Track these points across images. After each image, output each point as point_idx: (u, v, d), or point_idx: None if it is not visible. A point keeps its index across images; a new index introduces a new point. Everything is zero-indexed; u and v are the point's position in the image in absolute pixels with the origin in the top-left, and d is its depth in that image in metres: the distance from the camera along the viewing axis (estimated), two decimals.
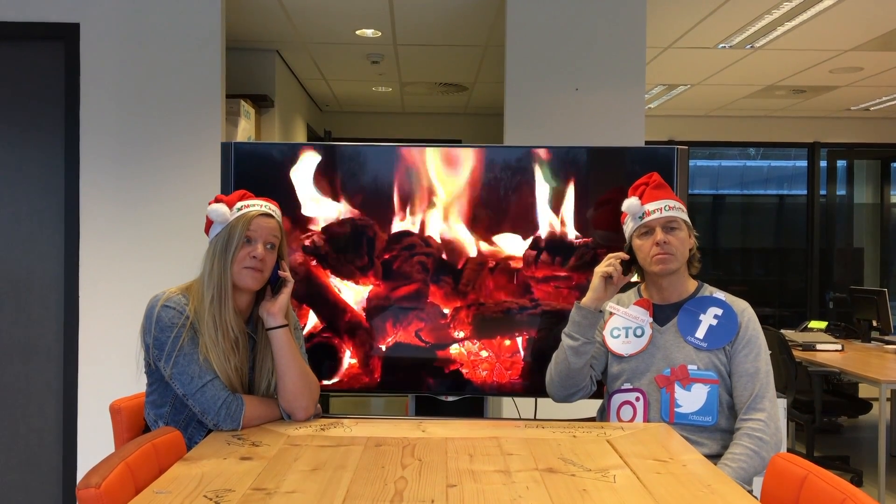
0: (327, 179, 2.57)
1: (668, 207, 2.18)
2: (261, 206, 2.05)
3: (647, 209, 2.19)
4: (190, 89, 3.61)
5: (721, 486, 1.50)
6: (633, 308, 2.26)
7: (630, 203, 2.22)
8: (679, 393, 2.13)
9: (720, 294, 2.24)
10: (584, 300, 2.21)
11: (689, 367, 2.14)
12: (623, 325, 2.24)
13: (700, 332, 2.17)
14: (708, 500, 1.42)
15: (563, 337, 2.24)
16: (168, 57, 3.60)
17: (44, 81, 3.61)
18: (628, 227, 2.25)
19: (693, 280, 2.28)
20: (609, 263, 2.20)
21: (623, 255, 2.21)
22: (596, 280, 2.20)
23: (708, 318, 2.18)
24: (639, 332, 2.22)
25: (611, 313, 2.28)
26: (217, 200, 2.05)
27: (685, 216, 2.22)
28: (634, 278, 2.29)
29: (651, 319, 2.23)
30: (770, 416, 2.09)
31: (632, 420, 2.18)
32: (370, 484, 1.49)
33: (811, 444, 4.75)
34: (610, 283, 2.20)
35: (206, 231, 2.06)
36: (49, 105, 3.61)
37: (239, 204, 2.04)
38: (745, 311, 2.20)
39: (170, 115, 3.60)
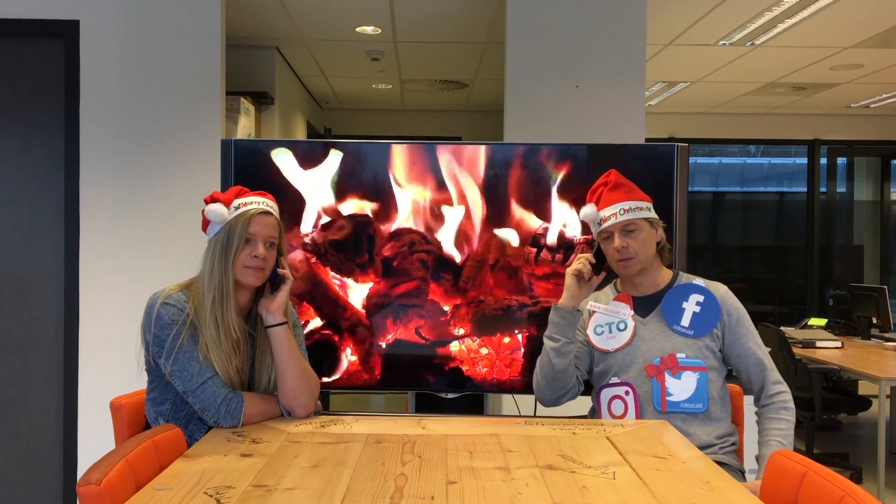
0: (327, 177, 2.56)
1: (623, 211, 2.17)
2: (259, 203, 2.03)
3: (603, 215, 2.20)
4: (190, 86, 3.61)
5: (720, 483, 1.51)
6: (613, 303, 2.27)
7: (586, 213, 2.25)
8: (669, 381, 2.15)
9: (699, 280, 2.26)
10: (561, 301, 2.24)
11: (678, 355, 2.16)
12: (605, 322, 2.26)
13: (685, 320, 2.19)
14: (707, 497, 1.43)
15: (545, 340, 2.25)
16: (168, 54, 3.60)
17: (44, 78, 3.61)
18: (593, 230, 2.27)
19: (668, 270, 2.30)
20: (578, 260, 2.23)
21: (590, 256, 2.23)
22: (568, 279, 2.23)
23: (691, 306, 2.21)
24: (621, 326, 2.24)
25: (591, 312, 2.29)
26: (213, 199, 2.03)
27: (645, 213, 2.20)
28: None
29: (632, 312, 2.24)
30: (785, 382, 2.19)
31: (623, 415, 2.18)
32: (370, 480, 1.50)
33: (811, 441, 4.75)
34: (583, 281, 2.22)
35: (204, 229, 2.05)
36: (49, 102, 3.61)
37: (236, 202, 2.02)
38: (725, 294, 2.24)
39: (170, 111, 3.60)
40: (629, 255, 2.18)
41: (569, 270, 2.24)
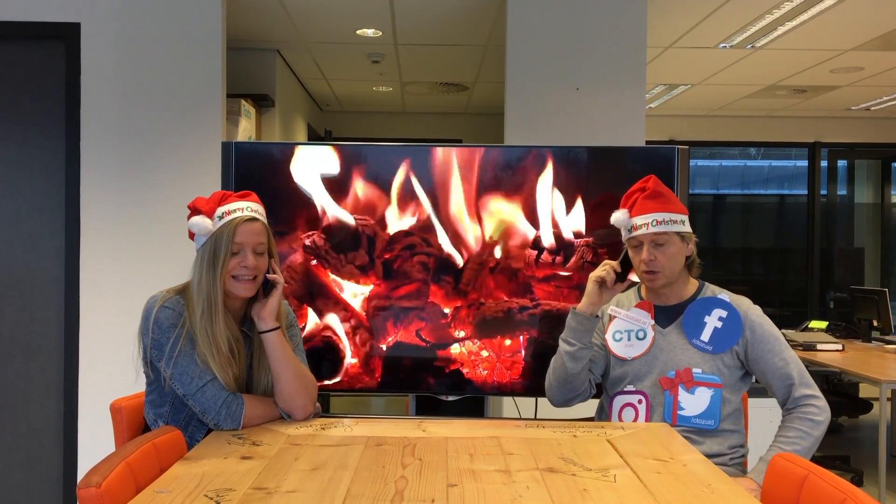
0: (328, 179, 2.57)
1: (655, 222, 2.13)
2: (243, 209, 1.98)
3: (635, 223, 2.16)
4: (191, 89, 3.61)
5: (721, 486, 1.50)
6: (635, 311, 2.25)
7: (617, 217, 2.20)
8: (682, 396, 2.12)
9: (724, 295, 2.22)
10: (580, 306, 2.21)
11: (694, 370, 2.13)
12: (625, 328, 2.23)
13: (705, 335, 2.16)
14: (708, 500, 1.42)
15: (560, 342, 2.23)
16: (169, 56, 3.61)
17: (45, 81, 3.62)
18: (622, 235, 2.24)
19: (694, 280, 2.27)
20: (603, 267, 2.19)
21: (616, 265, 2.20)
22: (590, 285, 2.19)
23: (713, 321, 2.17)
24: (641, 334, 2.21)
25: (612, 316, 2.27)
26: (195, 209, 1.98)
27: (678, 227, 2.16)
28: (634, 277, 2.28)
29: (653, 321, 2.22)
30: (817, 396, 2.11)
31: (634, 422, 2.17)
32: (371, 483, 1.49)
33: None
34: (605, 288, 2.19)
35: (191, 237, 2.02)
36: (50, 104, 3.61)
37: (220, 210, 1.97)
38: (749, 309, 2.19)
39: (170, 114, 3.61)
40: (656, 268, 2.14)
41: (592, 276, 2.19)
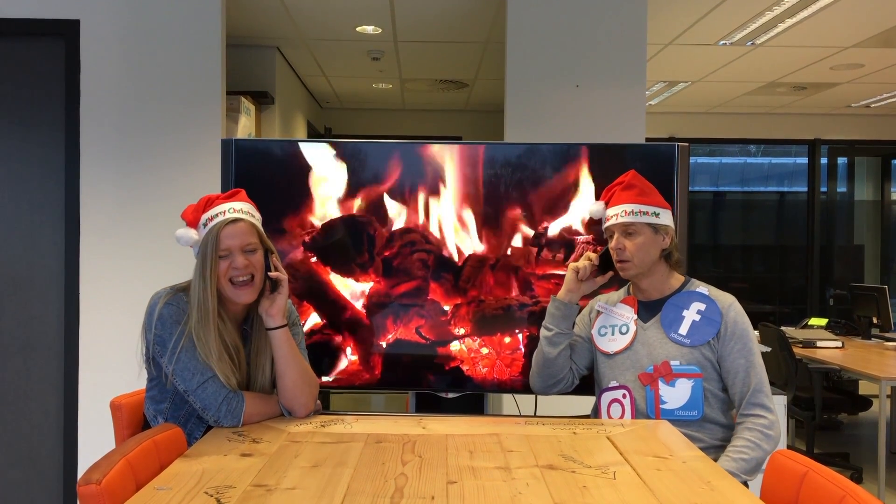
0: (327, 176, 2.56)
1: (624, 213, 2.18)
2: (225, 211, 1.97)
3: (608, 214, 2.23)
4: (190, 86, 3.61)
5: (721, 483, 1.51)
6: (620, 306, 2.28)
7: (592, 209, 2.30)
8: (663, 389, 2.13)
9: (704, 288, 2.23)
10: (559, 293, 2.29)
11: (672, 362, 2.14)
12: (609, 324, 2.27)
13: (683, 329, 2.17)
14: (708, 497, 1.43)
15: (541, 328, 2.31)
16: (168, 53, 3.60)
17: (44, 78, 3.61)
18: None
19: (679, 276, 2.27)
20: (584, 258, 2.27)
21: (595, 257, 2.26)
22: (569, 273, 2.29)
23: (691, 314, 2.18)
24: (623, 329, 2.24)
25: (598, 312, 2.31)
26: (183, 220, 2.00)
27: (650, 218, 2.17)
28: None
29: (635, 316, 2.24)
30: (770, 409, 2.11)
31: (621, 418, 2.18)
32: (371, 480, 1.50)
33: (811, 441, 4.75)
34: (581, 278, 2.26)
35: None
36: (49, 101, 3.61)
37: (204, 217, 1.97)
38: (731, 306, 2.18)
39: (170, 111, 3.60)
40: (625, 257, 2.19)
41: (571, 265, 2.28)
